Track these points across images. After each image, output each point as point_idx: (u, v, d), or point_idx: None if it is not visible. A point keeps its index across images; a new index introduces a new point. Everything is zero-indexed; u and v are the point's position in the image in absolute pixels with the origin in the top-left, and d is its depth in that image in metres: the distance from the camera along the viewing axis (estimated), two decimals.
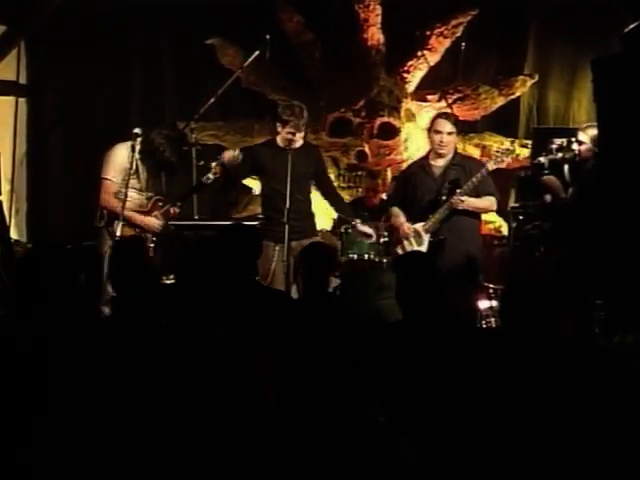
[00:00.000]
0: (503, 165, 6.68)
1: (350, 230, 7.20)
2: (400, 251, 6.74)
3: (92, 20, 8.45)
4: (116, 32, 8.60)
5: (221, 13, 8.49)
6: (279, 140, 6.73)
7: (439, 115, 6.92)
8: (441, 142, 6.67)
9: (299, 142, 6.70)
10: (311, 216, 6.93)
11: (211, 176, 6.71)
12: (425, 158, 6.91)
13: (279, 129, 6.69)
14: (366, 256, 7.17)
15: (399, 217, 6.84)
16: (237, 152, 6.77)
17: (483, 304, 7.03)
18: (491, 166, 6.56)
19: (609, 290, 5.47)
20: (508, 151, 6.92)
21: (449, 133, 6.66)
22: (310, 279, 4.91)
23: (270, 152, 6.74)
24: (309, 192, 6.87)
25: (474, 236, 6.81)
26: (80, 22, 8.44)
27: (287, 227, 6.37)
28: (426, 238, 6.68)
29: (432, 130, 6.77)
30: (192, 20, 8.65)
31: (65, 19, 8.31)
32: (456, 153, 6.87)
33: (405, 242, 6.76)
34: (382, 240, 7.39)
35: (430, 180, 6.75)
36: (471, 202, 6.60)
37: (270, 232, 6.48)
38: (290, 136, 6.61)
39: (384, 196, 8.30)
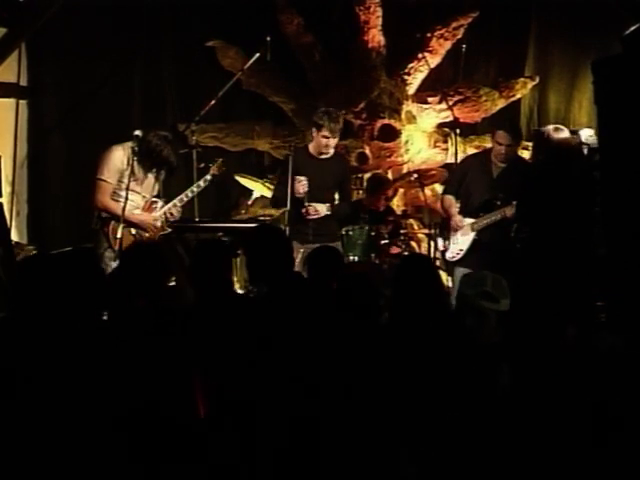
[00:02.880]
0: None
1: (351, 232, 7.22)
2: (446, 242, 6.88)
3: (93, 22, 8.45)
4: (117, 34, 8.60)
5: (222, 15, 8.50)
6: (311, 147, 6.79)
7: (502, 125, 6.92)
8: (500, 153, 6.72)
9: (332, 148, 6.74)
10: (334, 221, 6.94)
11: (202, 183, 6.81)
12: (487, 155, 6.93)
13: (314, 134, 6.75)
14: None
15: (452, 207, 6.91)
16: (221, 162, 6.93)
17: None
18: None
19: (610, 292, 5.47)
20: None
21: (509, 145, 6.69)
22: (314, 282, 4.92)
23: (302, 159, 6.76)
24: (333, 199, 6.90)
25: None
26: (81, 24, 8.45)
27: (287, 229, 6.42)
28: (472, 235, 6.73)
29: (494, 140, 6.83)
30: (193, 22, 8.66)
31: (66, 21, 8.31)
32: (518, 158, 6.93)
33: (452, 233, 6.84)
34: (383, 242, 7.40)
35: (487, 179, 6.79)
36: None
37: (295, 234, 6.54)
38: (325, 140, 6.66)
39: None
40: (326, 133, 6.64)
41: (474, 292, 3.56)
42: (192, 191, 6.85)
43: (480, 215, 6.71)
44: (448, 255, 6.82)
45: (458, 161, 7.65)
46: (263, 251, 4.61)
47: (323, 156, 6.77)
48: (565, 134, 6.22)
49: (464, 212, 6.83)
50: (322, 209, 6.69)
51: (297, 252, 6.53)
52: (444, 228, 7.04)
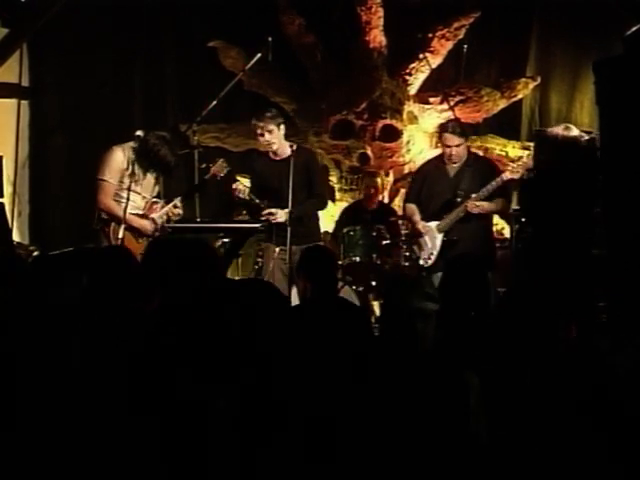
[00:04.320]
0: (517, 176, 6.72)
1: (352, 233, 7.22)
2: (416, 248, 6.92)
3: (94, 23, 8.47)
4: (118, 34, 8.62)
5: (223, 15, 8.50)
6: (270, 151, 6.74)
7: (445, 129, 6.98)
8: (451, 155, 6.83)
9: (273, 143, 6.62)
10: (312, 221, 6.90)
11: (203, 184, 6.87)
12: (440, 158, 7.01)
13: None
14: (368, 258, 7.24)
15: (414, 215, 6.97)
16: (223, 162, 6.87)
17: None
18: (506, 176, 6.67)
19: (611, 292, 5.47)
20: (524, 163, 6.95)
21: (457, 145, 6.78)
22: (316, 284, 4.89)
23: (260, 164, 6.76)
24: (301, 198, 6.68)
25: (486, 237, 6.92)
26: (82, 25, 8.46)
27: (289, 230, 6.39)
28: (439, 237, 6.76)
29: (442, 143, 6.95)
30: (194, 22, 8.67)
31: (67, 22, 8.33)
32: (470, 154, 7.01)
33: (420, 240, 6.89)
34: (384, 242, 7.40)
35: (445, 180, 6.87)
36: (485, 206, 6.73)
37: (271, 235, 6.54)
38: (260, 138, 6.63)
39: (385, 199, 8.31)
40: (256, 130, 6.62)
41: (417, 295, 3.51)
42: (174, 208, 6.84)
43: (444, 216, 6.75)
44: (421, 262, 6.87)
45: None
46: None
47: (280, 156, 6.65)
48: (574, 132, 6.24)
49: (428, 216, 6.90)
50: (279, 214, 6.51)
51: (273, 254, 6.55)
52: (412, 236, 7.08)
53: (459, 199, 6.72)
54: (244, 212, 8.29)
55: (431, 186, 6.94)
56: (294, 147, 6.62)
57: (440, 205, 6.84)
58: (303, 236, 6.51)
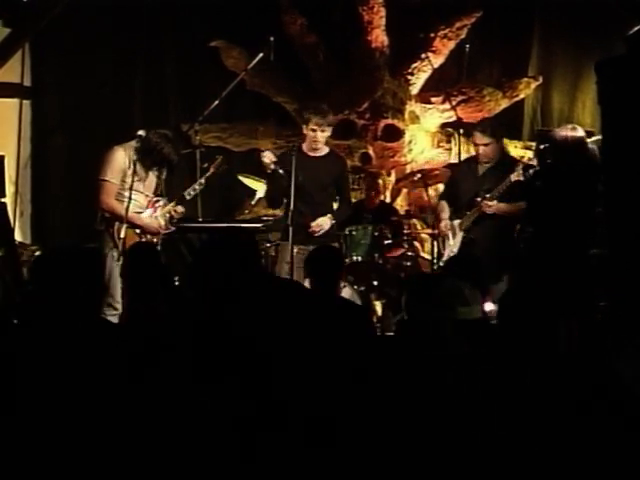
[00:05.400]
0: (523, 178, 6.69)
1: (354, 232, 7.23)
2: (441, 246, 7.02)
3: (94, 23, 8.47)
4: (119, 34, 8.62)
5: (225, 15, 8.51)
6: (304, 146, 6.76)
7: (476, 127, 7.05)
8: (479, 154, 6.84)
9: (321, 142, 6.70)
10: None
11: (203, 181, 6.86)
12: (475, 157, 7.02)
13: (305, 131, 6.75)
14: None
15: (442, 212, 7.03)
16: (221, 160, 6.98)
17: (489, 306, 7.02)
18: (514, 177, 6.60)
19: (612, 292, 5.47)
20: (532, 166, 6.94)
21: (486, 145, 6.76)
22: (318, 283, 4.89)
23: (296, 157, 6.69)
24: (332, 198, 6.90)
25: (507, 237, 6.78)
26: (82, 25, 8.47)
27: (291, 229, 6.40)
28: (459, 235, 6.79)
29: (472, 142, 7.01)
30: (195, 22, 8.67)
31: (68, 22, 8.33)
32: (504, 155, 7.03)
33: (445, 238, 6.96)
34: (386, 242, 7.40)
35: (473, 179, 6.89)
36: (501, 207, 6.67)
37: (286, 234, 6.53)
38: (312, 133, 6.64)
39: (388, 199, 8.31)
40: (313, 126, 6.62)
41: (424, 300, 3.49)
42: (194, 189, 6.86)
43: (466, 214, 6.78)
44: (444, 259, 6.89)
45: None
46: (138, 270, 4.62)
47: (317, 154, 6.72)
48: (581, 132, 6.24)
49: (454, 214, 6.92)
50: (326, 223, 6.67)
51: (291, 253, 6.56)
52: (436, 235, 7.15)
53: (479, 199, 6.72)
54: (246, 212, 8.30)
55: (459, 184, 6.97)
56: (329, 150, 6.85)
57: (465, 203, 6.85)
58: (321, 236, 6.62)
